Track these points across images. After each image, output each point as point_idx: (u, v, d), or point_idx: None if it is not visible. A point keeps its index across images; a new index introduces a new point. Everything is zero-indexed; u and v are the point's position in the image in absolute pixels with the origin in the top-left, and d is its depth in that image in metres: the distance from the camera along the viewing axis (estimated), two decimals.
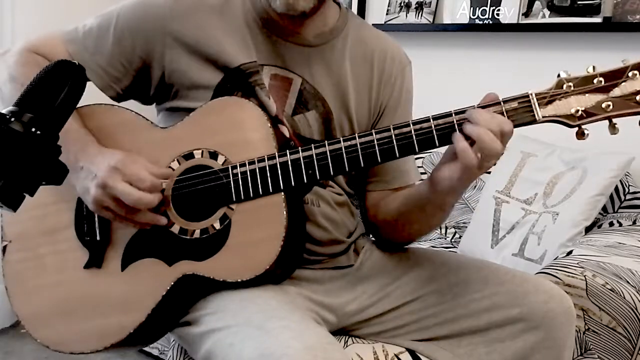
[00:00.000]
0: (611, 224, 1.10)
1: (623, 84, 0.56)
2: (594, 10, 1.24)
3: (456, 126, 0.58)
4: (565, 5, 1.27)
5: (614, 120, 0.56)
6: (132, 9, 0.68)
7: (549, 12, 1.30)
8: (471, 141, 0.56)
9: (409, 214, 0.69)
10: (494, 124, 0.55)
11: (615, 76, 0.56)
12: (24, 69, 0.66)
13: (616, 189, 1.14)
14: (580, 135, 0.57)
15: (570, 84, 0.57)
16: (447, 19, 1.48)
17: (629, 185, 1.16)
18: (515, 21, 1.34)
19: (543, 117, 0.57)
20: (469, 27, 1.42)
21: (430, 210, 0.65)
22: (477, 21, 1.40)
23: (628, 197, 1.15)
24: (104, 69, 0.68)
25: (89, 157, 0.62)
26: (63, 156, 0.61)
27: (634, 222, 1.09)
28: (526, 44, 1.36)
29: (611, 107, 0.56)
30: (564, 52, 1.31)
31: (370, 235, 0.81)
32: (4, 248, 0.69)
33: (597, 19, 1.23)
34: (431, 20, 1.49)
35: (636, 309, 0.81)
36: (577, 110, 0.56)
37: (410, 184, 0.75)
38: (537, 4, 1.32)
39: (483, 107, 0.58)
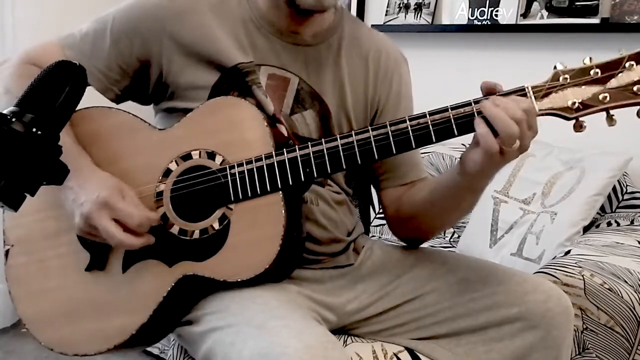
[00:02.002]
0: (609, 224, 1.11)
1: (620, 74, 0.55)
2: (592, 11, 1.24)
3: (453, 122, 0.58)
4: (563, 6, 1.28)
5: (612, 111, 0.56)
6: (128, 11, 0.68)
7: (547, 13, 1.31)
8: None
9: (438, 202, 0.67)
10: (512, 105, 0.54)
11: (611, 67, 0.56)
12: (22, 80, 0.65)
13: (614, 189, 1.14)
14: (578, 127, 0.57)
15: (567, 76, 0.56)
16: (445, 20, 1.49)
17: (627, 185, 1.16)
18: (513, 22, 1.34)
19: (539, 110, 0.56)
20: (467, 28, 1.42)
21: (460, 194, 0.64)
22: (476, 22, 1.41)
23: (626, 197, 1.16)
24: (102, 72, 0.69)
25: (80, 178, 0.61)
26: None
27: (632, 222, 1.09)
28: (524, 45, 1.37)
29: (608, 98, 0.55)
30: (562, 52, 1.32)
31: (369, 235, 0.81)
32: (7, 252, 0.69)
33: (595, 20, 1.24)
34: (430, 21, 1.49)
35: (634, 308, 0.81)
36: (574, 103, 0.56)
37: (422, 177, 0.75)
38: (535, 5, 1.33)
39: (476, 101, 0.58)
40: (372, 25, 1.54)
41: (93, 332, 0.65)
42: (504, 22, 1.36)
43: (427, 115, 0.59)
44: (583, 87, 0.56)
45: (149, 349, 1.28)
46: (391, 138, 0.59)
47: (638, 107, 0.56)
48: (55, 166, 0.43)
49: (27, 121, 0.41)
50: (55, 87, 0.43)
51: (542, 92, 0.57)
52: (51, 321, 0.66)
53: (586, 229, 1.09)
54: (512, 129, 0.54)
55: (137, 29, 0.67)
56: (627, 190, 1.16)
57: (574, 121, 0.57)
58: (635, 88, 0.55)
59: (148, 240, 0.61)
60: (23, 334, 1.43)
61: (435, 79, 1.43)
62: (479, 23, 1.40)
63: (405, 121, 0.59)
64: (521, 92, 0.57)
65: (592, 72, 0.56)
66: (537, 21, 1.32)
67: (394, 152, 0.60)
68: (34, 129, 0.41)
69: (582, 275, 0.84)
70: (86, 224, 0.60)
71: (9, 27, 1.43)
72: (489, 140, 0.55)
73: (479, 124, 0.56)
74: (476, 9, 1.41)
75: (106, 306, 0.65)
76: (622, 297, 0.81)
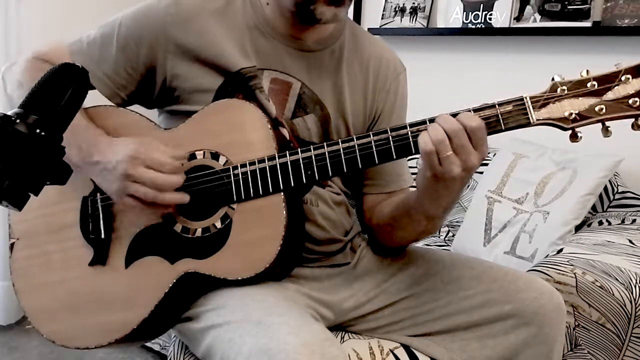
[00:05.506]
0: (600, 223, 1.12)
1: (616, 87, 0.57)
2: (584, 14, 1.26)
3: None
4: (556, 10, 1.30)
5: (607, 123, 0.57)
6: (134, 17, 0.69)
7: (539, 17, 1.33)
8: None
9: (398, 219, 0.70)
10: (454, 124, 0.55)
11: (608, 80, 0.57)
12: (32, 74, 0.67)
13: (605, 188, 1.16)
14: (574, 137, 0.58)
15: (564, 87, 0.58)
16: (440, 24, 1.50)
17: (618, 185, 1.18)
18: (507, 25, 1.36)
19: (537, 120, 0.58)
20: (462, 32, 1.44)
21: (416, 217, 0.66)
22: (470, 25, 1.42)
23: (617, 196, 1.18)
24: (110, 77, 0.69)
25: (102, 149, 0.63)
26: (74, 152, 0.62)
27: (623, 221, 1.10)
28: (518, 48, 1.38)
29: (604, 110, 0.57)
30: (555, 55, 1.34)
31: (367, 235, 0.82)
32: (12, 245, 0.70)
33: (587, 23, 1.26)
34: (425, 24, 1.51)
35: (625, 306, 0.82)
36: (571, 114, 0.57)
37: (405, 187, 0.76)
38: (528, 9, 1.35)
39: (475, 110, 0.59)
40: (369, 29, 1.56)
41: (94, 326, 0.65)
42: (498, 26, 1.38)
43: (427, 122, 0.60)
44: (580, 98, 0.57)
45: (150, 345, 1.28)
46: (392, 143, 0.60)
47: (633, 120, 0.57)
48: (58, 166, 0.43)
49: (30, 122, 0.41)
50: (58, 89, 0.43)
51: (540, 102, 0.58)
52: (53, 314, 0.67)
53: (578, 228, 1.10)
54: (437, 133, 0.55)
55: (143, 36, 0.68)
56: (618, 190, 1.18)
57: (570, 131, 0.58)
58: (630, 101, 0.56)
59: (183, 178, 0.62)
60: (27, 331, 1.44)
61: (431, 81, 1.45)
62: (473, 26, 1.41)
63: (405, 127, 0.60)
64: (519, 101, 0.58)
65: (589, 84, 0.57)
66: (530, 24, 1.34)
67: (394, 157, 0.61)
68: (38, 130, 0.41)
69: (574, 273, 0.85)
70: (127, 181, 0.60)
71: (13, 31, 1.43)
72: (426, 143, 0.55)
73: (424, 132, 0.57)
74: (470, 13, 1.42)
75: (108, 301, 0.65)
76: (614, 295, 0.82)
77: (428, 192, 0.61)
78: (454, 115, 0.58)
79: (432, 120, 0.58)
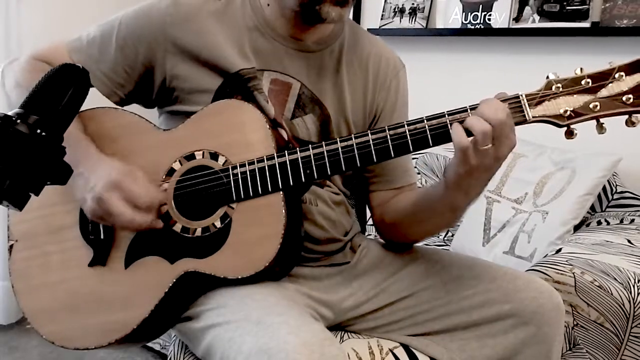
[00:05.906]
0: (599, 223, 1.12)
1: (610, 85, 0.57)
2: (583, 15, 1.27)
3: (449, 127, 0.60)
4: (555, 11, 1.31)
5: (602, 120, 0.58)
6: (133, 17, 0.69)
7: (538, 17, 1.33)
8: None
9: (419, 213, 0.69)
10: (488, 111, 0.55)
11: (602, 77, 0.58)
12: (30, 75, 0.67)
13: (604, 188, 1.16)
14: (569, 134, 0.59)
15: (559, 85, 0.58)
16: (440, 24, 1.51)
17: (617, 185, 1.18)
18: (506, 26, 1.36)
19: (533, 117, 0.58)
20: (461, 32, 1.44)
21: (440, 209, 0.66)
22: (469, 26, 1.43)
23: (615, 196, 1.18)
24: (108, 76, 0.70)
25: (89, 164, 0.63)
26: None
27: (621, 221, 1.11)
28: (517, 48, 1.39)
29: (598, 107, 0.57)
30: (554, 55, 1.34)
31: (366, 234, 0.83)
32: (11, 247, 0.70)
33: (586, 24, 1.26)
34: (424, 25, 1.51)
35: (623, 305, 0.82)
36: (566, 111, 0.58)
37: (412, 182, 0.77)
38: (527, 9, 1.35)
39: (471, 107, 0.59)
40: (368, 30, 1.56)
41: (94, 327, 0.65)
42: (497, 26, 1.38)
43: (425, 121, 0.60)
44: (575, 96, 0.58)
45: (150, 344, 1.28)
46: (390, 142, 0.61)
47: (627, 116, 0.58)
48: (59, 166, 0.43)
49: (31, 123, 0.42)
50: (59, 89, 0.44)
51: (536, 100, 0.59)
52: (52, 315, 0.67)
53: (577, 228, 1.10)
54: (483, 125, 0.55)
55: (142, 36, 0.68)
56: (616, 190, 1.18)
57: (565, 128, 0.59)
58: (624, 98, 0.57)
59: (157, 220, 0.62)
60: (27, 330, 1.44)
61: (430, 81, 1.45)
62: (473, 27, 1.42)
63: (403, 126, 0.61)
64: (515, 99, 0.59)
65: (583, 81, 0.58)
66: (529, 25, 1.34)
67: (392, 155, 0.61)
68: (38, 130, 0.42)
69: (573, 273, 0.85)
70: (99, 206, 0.60)
71: (13, 31, 1.43)
72: (462, 138, 0.56)
73: (455, 126, 0.58)
74: (469, 13, 1.43)
75: (108, 301, 0.65)
76: (612, 294, 0.83)
77: (458, 184, 0.61)
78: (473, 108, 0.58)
79: (472, 108, 0.58)
